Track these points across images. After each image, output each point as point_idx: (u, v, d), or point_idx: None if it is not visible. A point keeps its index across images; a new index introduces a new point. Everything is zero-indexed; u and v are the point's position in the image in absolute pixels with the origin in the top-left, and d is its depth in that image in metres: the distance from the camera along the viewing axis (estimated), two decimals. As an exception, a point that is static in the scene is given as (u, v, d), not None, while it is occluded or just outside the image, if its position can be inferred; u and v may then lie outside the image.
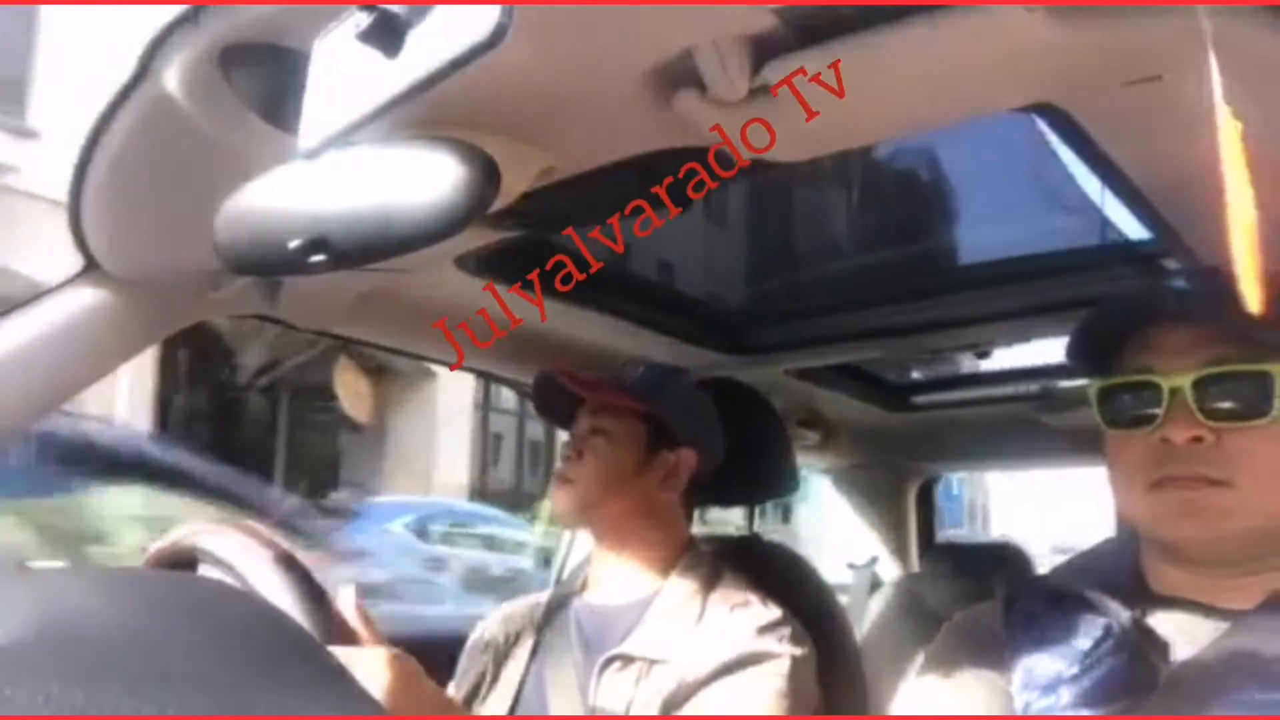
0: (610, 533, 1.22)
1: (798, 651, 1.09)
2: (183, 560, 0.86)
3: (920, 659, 0.88)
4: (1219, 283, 0.74)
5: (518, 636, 1.24)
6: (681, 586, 1.16)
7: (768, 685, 1.05)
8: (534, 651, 1.21)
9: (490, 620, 1.30)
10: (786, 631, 1.11)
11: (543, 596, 1.32)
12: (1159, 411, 0.74)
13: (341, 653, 0.82)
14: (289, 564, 0.84)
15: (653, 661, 1.09)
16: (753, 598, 1.15)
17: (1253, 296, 0.43)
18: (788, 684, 1.06)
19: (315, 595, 0.84)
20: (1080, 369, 0.83)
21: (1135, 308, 0.81)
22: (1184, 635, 0.74)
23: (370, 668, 0.84)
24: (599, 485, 1.19)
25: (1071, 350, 0.85)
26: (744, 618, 1.11)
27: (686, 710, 1.04)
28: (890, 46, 0.61)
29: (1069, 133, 0.75)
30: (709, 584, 1.17)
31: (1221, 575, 0.76)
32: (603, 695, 1.10)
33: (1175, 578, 0.78)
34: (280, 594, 0.80)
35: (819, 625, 1.20)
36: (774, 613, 1.13)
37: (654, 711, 1.05)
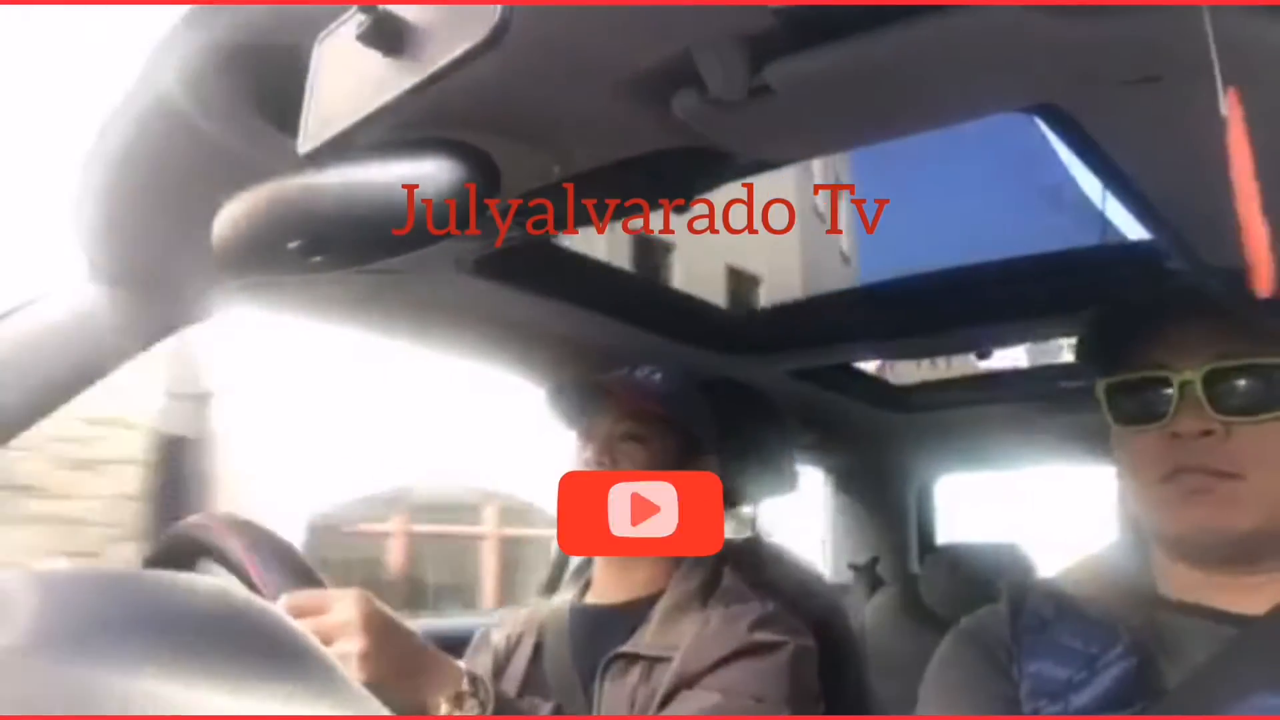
0: None
1: (798, 641, 1.10)
2: (185, 551, 0.86)
3: (925, 663, 0.88)
4: (1229, 278, 0.74)
5: (518, 639, 1.24)
6: (683, 587, 1.16)
7: (768, 672, 1.06)
8: (535, 653, 1.21)
9: (490, 624, 1.30)
10: (786, 624, 1.11)
11: (543, 599, 1.32)
12: (1169, 406, 0.74)
13: (310, 597, 0.83)
14: (291, 561, 0.85)
15: (655, 660, 1.09)
16: (752, 596, 1.15)
17: (1262, 281, 0.43)
18: (788, 671, 1.06)
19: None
20: (1088, 366, 0.83)
21: (1146, 304, 0.81)
22: (1195, 640, 0.74)
23: (342, 609, 0.83)
24: None
25: (1081, 347, 0.85)
26: (743, 613, 1.11)
27: (684, 702, 1.04)
28: (890, 46, 0.61)
29: (1069, 133, 0.75)
30: (710, 584, 1.17)
31: (1232, 574, 0.75)
32: (606, 696, 1.09)
33: (1186, 580, 0.77)
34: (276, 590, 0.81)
35: (821, 626, 1.20)
36: (771, 607, 1.13)
37: (655, 710, 1.05)
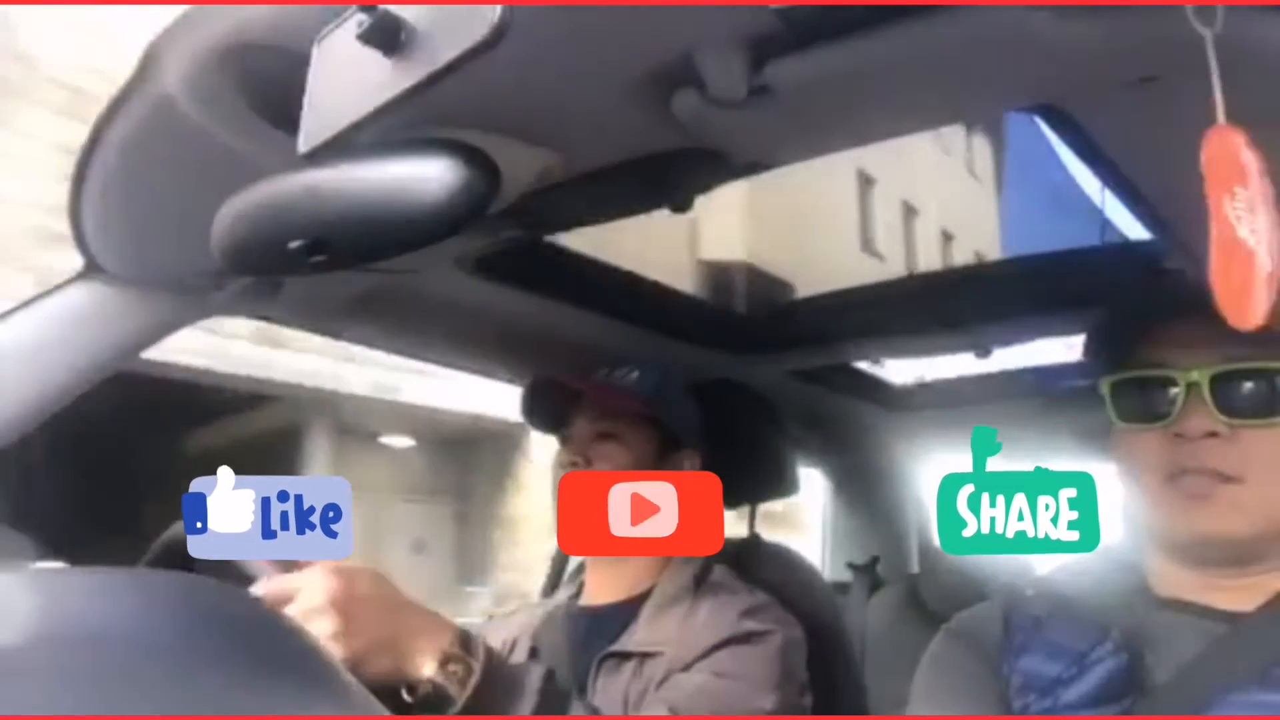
0: None
1: (786, 631, 1.10)
2: (185, 551, 0.86)
3: (920, 663, 0.88)
4: None
5: (514, 643, 1.24)
6: (673, 583, 1.16)
7: (756, 657, 1.06)
8: (530, 656, 1.21)
9: (486, 627, 1.30)
10: (773, 614, 1.12)
11: (539, 602, 1.32)
12: (1174, 406, 0.74)
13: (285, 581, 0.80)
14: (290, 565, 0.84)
15: (645, 656, 1.09)
16: (741, 588, 1.15)
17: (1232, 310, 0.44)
18: (777, 658, 1.07)
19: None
20: (1093, 363, 0.83)
21: (1152, 302, 0.81)
22: (1185, 637, 0.74)
23: (307, 595, 0.80)
24: None
25: (1087, 343, 0.85)
26: (732, 603, 1.11)
27: (673, 687, 1.04)
28: (890, 46, 0.61)
29: (1069, 133, 0.75)
30: (700, 579, 1.17)
31: (1225, 576, 0.75)
32: (600, 695, 1.10)
33: (1178, 579, 0.78)
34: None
35: (819, 626, 1.20)
36: (760, 598, 1.13)
37: (647, 703, 1.05)
